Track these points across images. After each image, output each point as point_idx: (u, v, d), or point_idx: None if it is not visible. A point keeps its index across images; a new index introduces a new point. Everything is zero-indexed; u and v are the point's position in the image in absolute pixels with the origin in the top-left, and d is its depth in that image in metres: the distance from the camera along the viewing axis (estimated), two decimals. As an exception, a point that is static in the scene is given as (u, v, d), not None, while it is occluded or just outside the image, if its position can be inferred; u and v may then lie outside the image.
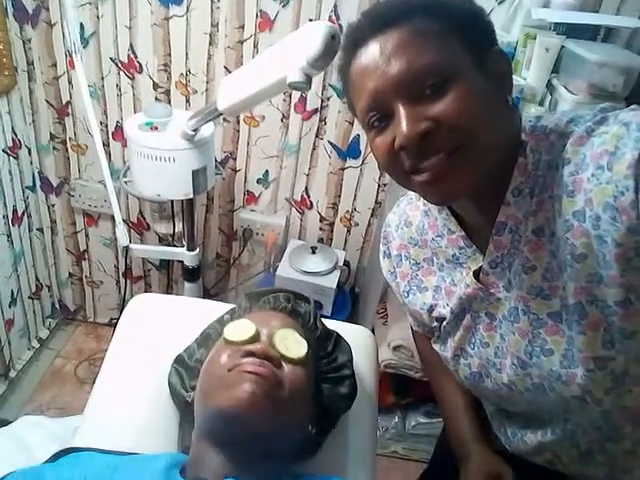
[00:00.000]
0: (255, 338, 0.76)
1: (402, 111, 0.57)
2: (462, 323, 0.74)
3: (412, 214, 0.81)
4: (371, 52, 0.58)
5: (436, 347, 0.81)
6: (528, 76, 1.28)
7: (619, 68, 1.15)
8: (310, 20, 1.46)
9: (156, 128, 1.31)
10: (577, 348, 0.61)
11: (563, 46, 1.25)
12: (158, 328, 0.98)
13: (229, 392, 0.67)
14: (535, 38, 1.26)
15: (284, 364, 0.74)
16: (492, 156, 0.59)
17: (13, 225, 1.76)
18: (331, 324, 0.97)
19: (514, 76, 1.33)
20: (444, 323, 0.77)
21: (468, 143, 0.56)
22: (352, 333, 1.00)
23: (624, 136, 0.53)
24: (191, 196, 1.37)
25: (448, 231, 0.74)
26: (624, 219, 0.51)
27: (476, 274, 0.70)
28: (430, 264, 0.78)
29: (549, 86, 1.30)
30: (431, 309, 0.78)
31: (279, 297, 0.89)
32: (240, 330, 0.78)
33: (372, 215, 1.83)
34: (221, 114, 1.08)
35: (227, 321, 0.88)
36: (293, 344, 0.77)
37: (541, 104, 1.30)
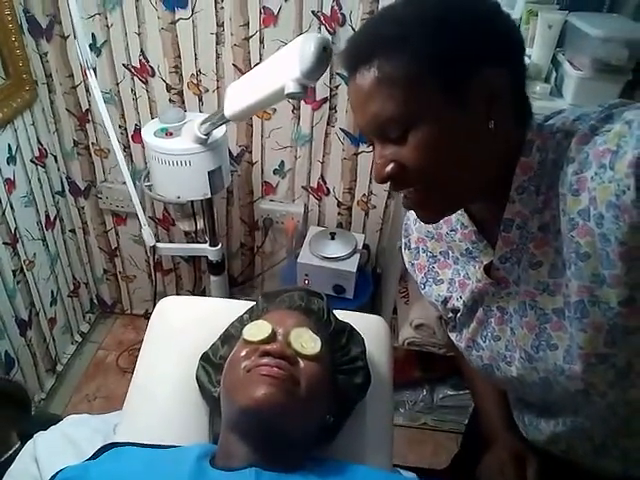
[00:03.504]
0: (272, 338, 0.82)
1: (376, 150, 0.61)
2: (475, 316, 0.76)
3: None
4: (352, 90, 0.61)
5: (452, 336, 0.84)
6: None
7: (623, 41, 1.14)
8: (313, 12, 1.48)
9: (171, 134, 1.37)
10: (577, 345, 0.62)
11: (567, 20, 1.24)
12: (185, 328, 1.04)
13: (248, 393, 0.74)
14: (537, 15, 1.25)
15: (300, 361, 0.80)
16: (467, 185, 0.62)
17: (47, 229, 1.86)
18: (346, 315, 1.02)
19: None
20: (458, 315, 0.79)
21: (433, 184, 0.60)
22: (367, 322, 1.05)
23: (626, 134, 0.52)
24: (209, 196, 1.43)
25: (461, 225, 0.75)
26: (626, 218, 0.51)
27: (487, 269, 0.72)
28: (446, 257, 0.81)
29: (554, 62, 1.29)
30: (445, 301, 0.81)
31: (293, 296, 0.94)
32: (258, 330, 0.84)
33: (389, 197, 1.86)
34: (229, 120, 1.13)
35: (246, 320, 0.94)
36: (308, 341, 0.82)
37: (547, 81, 1.30)
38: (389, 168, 0.59)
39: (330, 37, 1.51)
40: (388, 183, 0.62)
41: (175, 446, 0.85)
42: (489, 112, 0.58)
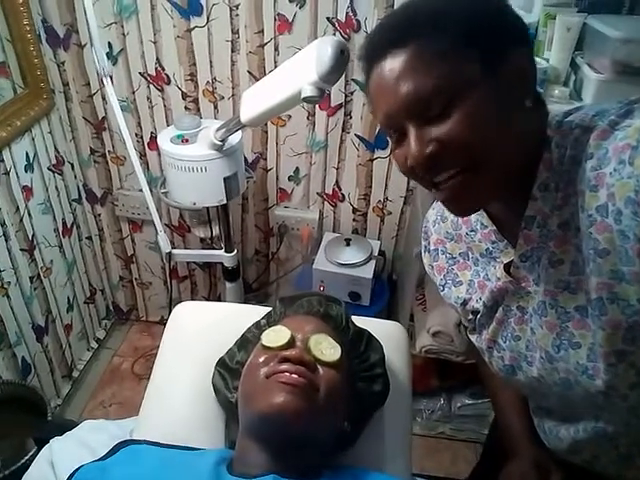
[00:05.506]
0: (291, 344, 0.81)
1: (411, 132, 0.58)
2: (495, 316, 0.75)
3: None
4: (382, 72, 0.59)
5: (472, 338, 0.83)
6: (550, 57, 1.27)
7: (644, 43, 1.12)
8: (327, 19, 1.49)
9: (187, 140, 1.38)
10: (598, 343, 0.61)
11: (585, 23, 1.23)
12: (201, 333, 1.04)
13: (267, 400, 0.73)
14: (555, 18, 1.24)
15: (319, 367, 0.79)
16: (507, 166, 0.60)
17: (64, 236, 1.88)
18: (363, 321, 1.01)
19: (536, 58, 1.32)
20: (478, 316, 0.78)
21: (477, 161, 0.57)
22: (384, 329, 1.04)
23: None
24: (224, 202, 1.43)
25: (481, 225, 0.74)
26: None
27: (507, 268, 0.71)
28: (465, 258, 0.80)
29: (573, 65, 1.28)
30: (465, 303, 0.80)
31: (312, 301, 0.93)
32: (277, 336, 0.83)
33: (404, 203, 1.84)
34: (245, 125, 1.12)
35: (264, 325, 0.94)
36: (327, 348, 0.81)
37: (565, 84, 1.28)
38: (431, 147, 0.57)
39: (345, 43, 1.52)
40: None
41: (191, 448, 0.84)
42: (521, 90, 0.59)
